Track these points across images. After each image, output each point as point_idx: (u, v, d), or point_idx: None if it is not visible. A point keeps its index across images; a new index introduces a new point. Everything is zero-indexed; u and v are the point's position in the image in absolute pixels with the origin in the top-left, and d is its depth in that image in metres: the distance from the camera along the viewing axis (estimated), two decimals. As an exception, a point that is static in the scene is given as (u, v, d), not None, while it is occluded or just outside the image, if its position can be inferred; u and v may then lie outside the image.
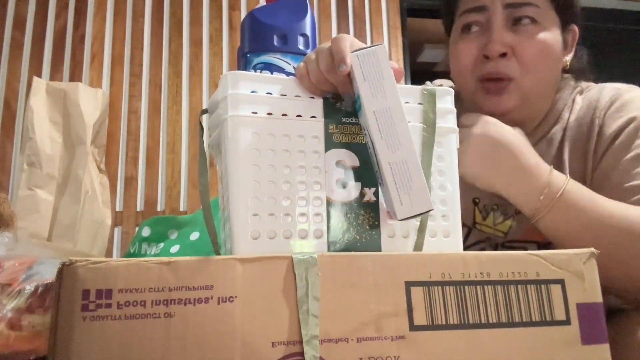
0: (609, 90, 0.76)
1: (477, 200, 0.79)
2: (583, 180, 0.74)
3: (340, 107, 0.50)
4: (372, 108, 0.46)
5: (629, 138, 0.70)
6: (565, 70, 0.79)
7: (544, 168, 0.63)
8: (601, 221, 0.60)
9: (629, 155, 0.69)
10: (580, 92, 0.79)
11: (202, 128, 0.55)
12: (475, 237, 0.78)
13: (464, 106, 0.85)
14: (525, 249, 0.76)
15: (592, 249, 0.48)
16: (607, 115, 0.73)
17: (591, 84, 0.81)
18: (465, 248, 0.79)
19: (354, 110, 0.50)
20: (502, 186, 0.64)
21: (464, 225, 0.79)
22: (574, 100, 0.78)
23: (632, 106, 0.72)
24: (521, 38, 0.71)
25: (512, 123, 0.78)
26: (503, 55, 0.71)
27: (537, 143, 0.77)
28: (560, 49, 0.74)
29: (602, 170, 0.72)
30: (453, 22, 0.79)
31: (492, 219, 0.78)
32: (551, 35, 0.72)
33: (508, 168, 0.63)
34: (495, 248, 0.77)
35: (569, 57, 0.77)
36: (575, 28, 0.78)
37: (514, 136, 0.65)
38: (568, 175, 0.75)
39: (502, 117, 0.75)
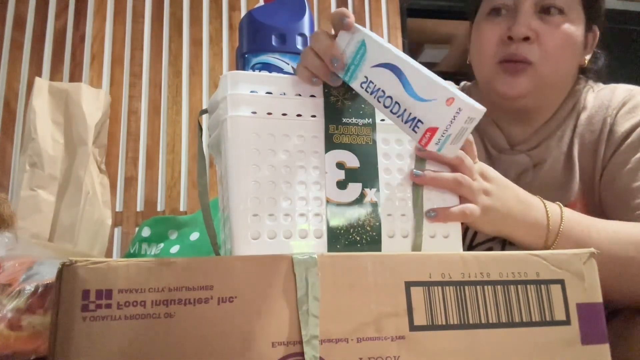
0: (622, 90, 0.77)
1: None
2: (592, 179, 0.74)
3: (341, 107, 0.50)
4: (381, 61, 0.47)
5: (635, 146, 0.70)
6: (581, 72, 0.80)
7: (537, 199, 0.60)
8: (607, 238, 0.59)
9: (638, 155, 0.69)
10: (592, 91, 0.79)
11: (201, 129, 0.55)
12: (483, 235, 0.79)
13: (480, 95, 0.85)
14: None
15: (592, 249, 0.49)
16: (619, 115, 0.74)
17: (601, 84, 0.81)
18: (473, 246, 0.79)
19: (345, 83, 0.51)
20: (511, 230, 0.58)
21: None
22: (585, 99, 0.79)
23: None
24: (547, 26, 0.72)
25: (524, 110, 0.78)
26: (526, 39, 0.71)
27: (547, 139, 0.78)
28: (581, 44, 0.75)
29: (611, 169, 0.72)
30: (478, 7, 0.80)
31: None
32: (575, 29, 0.73)
33: (516, 211, 0.57)
34: (503, 245, 0.77)
35: (587, 57, 0.78)
36: (597, 30, 0.79)
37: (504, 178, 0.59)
38: (578, 173, 0.75)
39: (515, 101, 0.75)
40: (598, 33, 0.79)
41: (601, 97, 0.77)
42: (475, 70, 0.82)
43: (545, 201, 0.60)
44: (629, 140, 0.71)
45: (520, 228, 0.58)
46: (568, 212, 0.60)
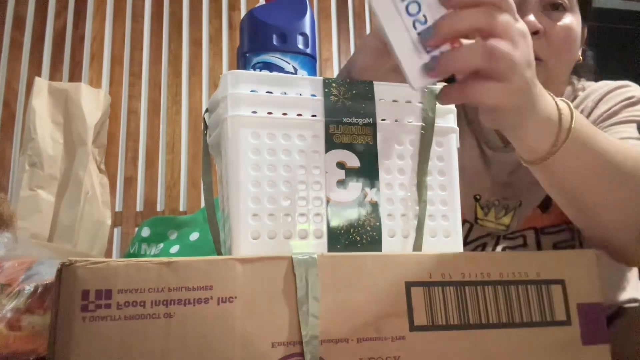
0: (606, 83, 0.78)
1: (478, 197, 0.80)
2: None
3: (342, 107, 0.50)
4: None
5: (615, 112, 0.71)
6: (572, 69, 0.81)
7: (548, 95, 0.51)
8: (614, 151, 0.54)
9: (610, 121, 0.70)
10: (583, 89, 0.81)
11: (206, 126, 0.55)
12: (477, 232, 0.79)
13: None
14: (524, 237, 0.77)
15: (593, 250, 0.48)
16: (601, 101, 0.75)
17: (593, 82, 0.83)
18: (468, 243, 0.80)
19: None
20: (521, 124, 0.49)
21: (466, 221, 0.80)
22: (576, 97, 0.80)
23: (625, 93, 0.74)
24: (552, 21, 0.73)
25: None
26: (535, 33, 0.72)
27: None
28: (580, 40, 0.77)
29: None
30: None
31: (493, 214, 0.79)
32: (577, 24, 0.75)
33: (528, 96, 0.48)
34: (497, 241, 0.78)
35: (579, 53, 0.80)
36: (585, 28, 0.80)
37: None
38: None
39: None
40: (586, 30, 0.80)
41: (588, 92, 0.79)
42: None
43: (552, 95, 0.52)
44: (605, 115, 0.72)
45: (531, 122, 0.49)
46: (576, 111, 0.53)
